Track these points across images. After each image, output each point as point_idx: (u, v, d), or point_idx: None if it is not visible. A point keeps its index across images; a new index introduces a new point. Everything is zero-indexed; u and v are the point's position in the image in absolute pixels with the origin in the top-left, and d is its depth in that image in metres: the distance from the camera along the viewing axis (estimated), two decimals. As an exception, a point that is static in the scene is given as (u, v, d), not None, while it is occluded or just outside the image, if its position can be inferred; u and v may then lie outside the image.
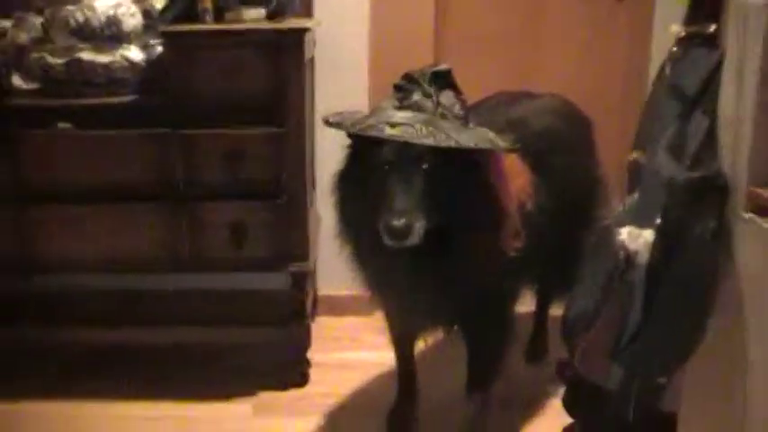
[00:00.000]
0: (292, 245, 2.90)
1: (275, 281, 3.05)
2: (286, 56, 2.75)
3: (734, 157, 1.93)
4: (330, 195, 2.25)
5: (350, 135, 2.12)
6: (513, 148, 2.13)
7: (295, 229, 2.90)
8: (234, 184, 2.82)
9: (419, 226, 1.96)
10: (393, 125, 1.94)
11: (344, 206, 2.21)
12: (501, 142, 2.08)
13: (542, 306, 3.11)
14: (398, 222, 1.91)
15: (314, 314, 3.35)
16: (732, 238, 1.94)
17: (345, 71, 3.35)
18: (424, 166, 1.98)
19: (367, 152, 2.04)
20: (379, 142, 1.99)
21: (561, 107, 2.77)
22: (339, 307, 3.49)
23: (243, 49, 2.76)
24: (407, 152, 1.97)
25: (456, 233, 2.06)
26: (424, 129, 1.92)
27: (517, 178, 2.24)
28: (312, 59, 3.20)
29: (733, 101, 1.91)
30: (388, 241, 1.96)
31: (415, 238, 1.96)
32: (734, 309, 1.91)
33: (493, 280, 2.25)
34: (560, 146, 2.54)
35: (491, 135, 2.08)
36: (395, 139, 1.93)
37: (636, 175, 2.10)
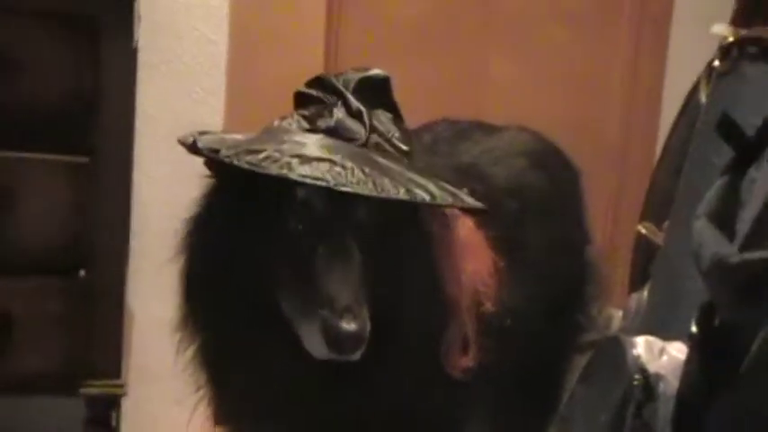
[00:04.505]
0: (94, 352, 2.36)
1: (62, 411, 2.51)
2: (102, 37, 2.33)
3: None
4: (179, 245, 1.83)
5: (211, 162, 1.79)
6: (481, 208, 1.86)
7: (102, 325, 2.36)
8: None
9: (367, 329, 1.66)
10: (305, 159, 1.63)
11: (204, 267, 1.81)
12: (466, 197, 1.81)
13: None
14: (350, 327, 1.59)
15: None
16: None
17: (187, 68, 2.88)
18: (360, 231, 1.70)
19: (250, 189, 1.73)
20: (279, 186, 1.69)
21: (535, 147, 2.34)
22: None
23: (21, 24, 2.29)
24: (338, 206, 1.67)
25: (384, 340, 1.75)
26: (356, 170, 1.63)
27: (473, 260, 1.93)
28: (136, 47, 2.64)
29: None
30: (321, 352, 1.63)
31: (362, 348, 1.68)
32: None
33: (426, 416, 1.91)
34: (537, 210, 2.20)
35: (448, 186, 1.79)
36: (312, 183, 1.63)
37: (644, 259, 2.13)
